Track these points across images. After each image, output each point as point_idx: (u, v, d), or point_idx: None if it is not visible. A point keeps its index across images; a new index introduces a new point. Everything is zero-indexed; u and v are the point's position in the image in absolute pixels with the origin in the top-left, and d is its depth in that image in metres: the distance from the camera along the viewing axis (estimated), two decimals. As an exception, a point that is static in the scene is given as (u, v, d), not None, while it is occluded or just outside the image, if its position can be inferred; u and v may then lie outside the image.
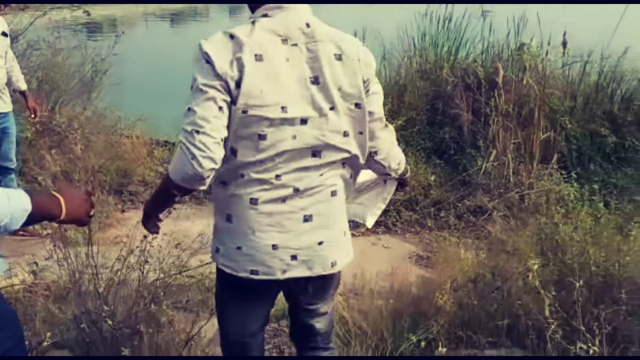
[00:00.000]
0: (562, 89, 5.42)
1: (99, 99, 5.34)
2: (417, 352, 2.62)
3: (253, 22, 1.56)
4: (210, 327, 2.52)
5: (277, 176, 1.58)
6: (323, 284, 1.79)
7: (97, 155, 4.55)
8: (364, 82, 1.65)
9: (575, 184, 4.03)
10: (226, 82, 1.48)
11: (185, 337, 2.34)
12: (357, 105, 1.64)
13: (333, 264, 1.71)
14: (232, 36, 1.52)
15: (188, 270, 2.96)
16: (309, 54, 1.58)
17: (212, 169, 1.46)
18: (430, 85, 5.68)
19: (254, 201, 1.58)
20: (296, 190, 1.61)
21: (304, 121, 1.57)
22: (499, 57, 5.84)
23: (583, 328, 1.93)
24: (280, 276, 1.64)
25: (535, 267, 2.21)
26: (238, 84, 1.48)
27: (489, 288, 2.84)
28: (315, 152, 1.60)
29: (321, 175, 1.64)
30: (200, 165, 1.43)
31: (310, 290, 1.77)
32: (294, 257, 1.64)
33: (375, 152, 1.76)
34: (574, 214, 3.45)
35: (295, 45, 1.57)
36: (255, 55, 1.50)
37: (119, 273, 2.37)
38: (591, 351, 1.85)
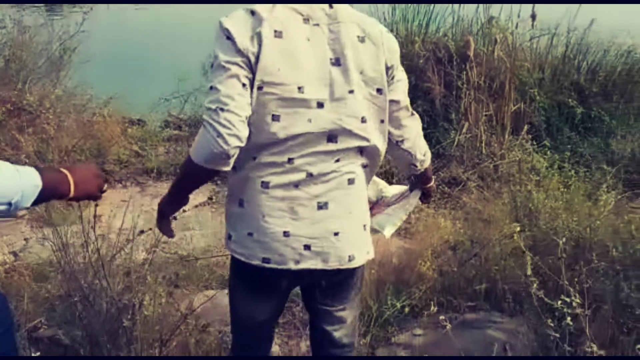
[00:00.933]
0: (531, 61, 5.54)
1: (68, 77, 5.23)
2: (401, 318, 2.71)
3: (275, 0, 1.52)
4: (202, 300, 2.57)
5: (290, 159, 1.51)
6: (340, 281, 1.69)
7: (70, 135, 4.48)
8: (388, 68, 1.59)
9: (547, 153, 4.16)
10: (248, 59, 1.44)
11: (177, 310, 2.38)
12: (379, 90, 1.58)
13: (350, 258, 1.62)
14: (252, 12, 1.48)
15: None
16: (331, 35, 1.53)
17: (237, 147, 1.41)
18: (402, 59, 5.73)
19: (265, 184, 1.52)
20: (309, 175, 1.54)
21: (320, 104, 1.51)
22: (469, 31, 5.92)
23: (566, 282, 2.04)
24: (292, 266, 1.56)
25: (518, 229, 2.30)
26: (257, 59, 1.44)
27: (468, 255, 2.94)
28: (330, 136, 1.53)
29: (337, 161, 1.56)
30: (226, 142, 1.38)
31: (324, 285, 1.67)
32: (307, 247, 1.56)
33: (402, 141, 1.71)
34: (546, 182, 3.57)
35: (317, 25, 1.52)
36: (275, 31, 1.46)
37: (105, 250, 2.37)
38: (574, 303, 1.96)
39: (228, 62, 1.43)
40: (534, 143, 4.62)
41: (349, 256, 1.61)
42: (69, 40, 4.93)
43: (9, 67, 4.60)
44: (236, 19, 1.47)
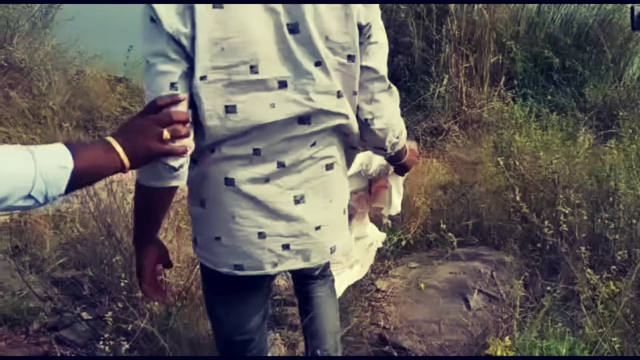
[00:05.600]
0: (508, 14, 5.70)
1: (51, 36, 5.22)
2: (397, 253, 2.93)
3: None
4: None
5: (256, 150, 1.27)
6: (319, 267, 1.64)
7: (59, 92, 4.52)
8: (362, 27, 1.28)
9: (529, 102, 4.38)
10: (179, 44, 1.15)
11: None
12: (350, 57, 1.29)
13: (332, 250, 1.44)
14: None
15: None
16: None
17: (181, 159, 1.19)
18: (382, 14, 5.85)
19: (229, 181, 1.29)
20: (281, 165, 1.30)
21: (282, 83, 1.24)
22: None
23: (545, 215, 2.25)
24: (270, 270, 1.37)
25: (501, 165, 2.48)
26: (193, 41, 1.15)
27: (456, 194, 3.16)
28: (302, 118, 1.28)
29: (312, 145, 1.32)
30: (181, 157, 1.18)
31: (305, 273, 1.70)
32: (285, 247, 1.36)
33: (372, 119, 1.38)
34: (525, 128, 3.79)
35: None
36: (212, 5, 1.15)
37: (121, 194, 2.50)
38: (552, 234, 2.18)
39: (154, 54, 1.15)
40: (511, 93, 4.84)
41: (331, 248, 1.44)
42: (53, -4, 4.90)
43: (-7, 25, 4.58)
44: None
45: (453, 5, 5.45)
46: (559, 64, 5.13)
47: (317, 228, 1.38)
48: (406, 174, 1.76)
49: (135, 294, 2.17)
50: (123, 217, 2.30)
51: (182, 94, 1.17)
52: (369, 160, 1.77)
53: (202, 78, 1.17)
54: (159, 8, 1.13)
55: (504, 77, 5.04)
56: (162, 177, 1.19)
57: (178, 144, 1.16)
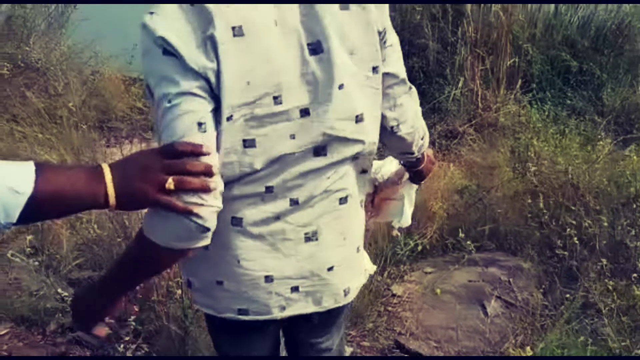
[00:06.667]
0: (524, 16, 5.66)
1: (67, 36, 5.24)
2: (413, 257, 2.91)
3: None
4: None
5: (268, 188, 1.15)
6: (332, 316, 1.40)
7: (76, 93, 4.54)
8: (380, 33, 1.18)
9: (546, 106, 4.35)
10: (206, 79, 1.00)
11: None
12: (375, 69, 1.18)
13: (346, 292, 1.32)
14: (190, 2, 1.01)
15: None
16: (303, 11, 1.08)
17: (218, 210, 1.02)
18: (397, 15, 5.83)
19: (237, 221, 1.16)
20: (294, 202, 1.18)
21: (304, 112, 1.11)
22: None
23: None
24: (277, 314, 1.26)
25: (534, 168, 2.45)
26: (219, 77, 1.01)
27: (473, 199, 3.13)
28: (317, 149, 1.16)
29: (328, 178, 1.20)
30: (200, 214, 0.98)
31: (315, 322, 1.38)
32: (295, 289, 1.25)
33: (398, 125, 1.30)
34: (543, 131, 3.75)
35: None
36: (233, 28, 1.01)
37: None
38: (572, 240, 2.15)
39: (177, 94, 0.98)
40: (528, 96, 4.80)
41: (344, 290, 1.32)
42: (69, -3, 4.93)
43: (10, 24, 4.61)
44: (171, 18, 1.00)
45: (469, 6, 5.42)
46: (576, 68, 5.08)
47: (330, 269, 1.27)
48: (422, 182, 1.64)
49: (151, 297, 2.17)
50: (139, 219, 2.30)
51: (211, 133, 1.01)
52: (378, 165, 1.64)
53: (229, 118, 1.04)
54: (172, 39, 0.97)
55: (520, 80, 5.00)
56: (188, 238, 1.00)
57: (206, 198, 0.98)
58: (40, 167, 0.85)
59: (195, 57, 0.99)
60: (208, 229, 1.00)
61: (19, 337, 2.35)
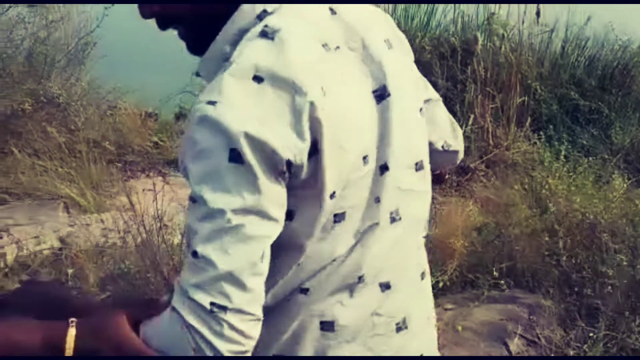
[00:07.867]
0: (532, 56, 5.79)
1: (85, 72, 5.36)
2: (433, 294, 2.92)
3: (266, 34, 0.82)
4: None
5: (361, 277, 0.93)
6: None
7: (94, 127, 4.62)
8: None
9: (557, 144, 4.42)
10: (294, 172, 0.80)
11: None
12: (426, 100, 1.09)
13: None
14: (273, 78, 0.78)
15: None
16: (357, 55, 0.91)
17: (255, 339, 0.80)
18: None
19: (328, 326, 0.92)
20: (385, 287, 0.97)
21: (383, 167, 0.92)
22: (472, 27, 6.15)
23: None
24: None
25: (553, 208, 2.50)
26: (316, 155, 0.81)
27: (491, 236, 3.17)
28: (394, 213, 0.95)
29: (409, 248, 1.02)
30: (224, 350, 0.76)
31: None
32: None
33: (446, 141, 1.18)
34: (557, 170, 3.81)
35: (338, 48, 0.88)
36: (322, 88, 0.81)
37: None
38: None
39: (242, 210, 0.76)
40: (538, 134, 4.88)
41: None
42: (90, 34, 5.05)
43: (31, 61, 4.72)
44: (248, 104, 0.77)
45: (479, 46, 5.55)
46: (586, 107, 5.17)
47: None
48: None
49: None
50: (168, 253, 2.34)
51: (265, 270, 0.80)
52: None
53: (332, 196, 0.84)
54: (261, 131, 0.76)
55: (529, 118, 5.09)
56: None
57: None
58: None
59: (288, 140, 0.77)
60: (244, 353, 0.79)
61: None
